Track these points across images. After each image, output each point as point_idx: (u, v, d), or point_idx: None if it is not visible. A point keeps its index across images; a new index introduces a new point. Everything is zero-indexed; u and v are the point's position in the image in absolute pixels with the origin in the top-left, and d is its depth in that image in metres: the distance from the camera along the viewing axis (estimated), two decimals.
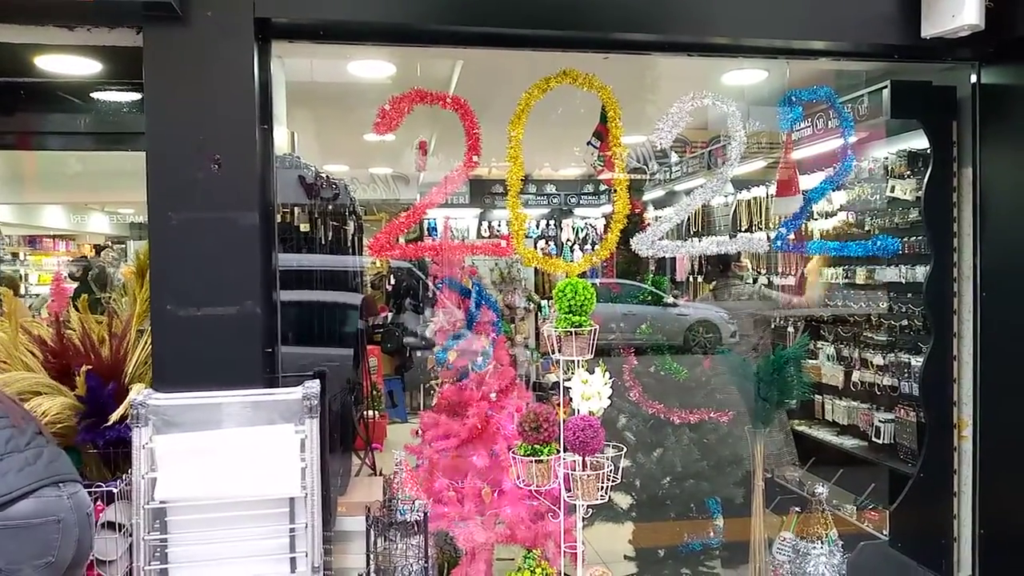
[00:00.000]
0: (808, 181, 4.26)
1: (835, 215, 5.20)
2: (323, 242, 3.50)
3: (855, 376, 4.90)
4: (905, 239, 4.33)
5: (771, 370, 3.71)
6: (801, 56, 3.56)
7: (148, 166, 2.84)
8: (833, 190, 4.18)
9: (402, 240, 3.23)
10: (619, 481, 2.82)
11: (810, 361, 5.10)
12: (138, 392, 2.65)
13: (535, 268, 6.10)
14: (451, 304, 3.68)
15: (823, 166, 4.21)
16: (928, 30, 3.28)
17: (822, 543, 3.44)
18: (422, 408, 6.03)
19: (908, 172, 4.46)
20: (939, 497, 3.86)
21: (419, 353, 6.85)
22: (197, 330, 2.80)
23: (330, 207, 3.52)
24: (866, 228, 4.87)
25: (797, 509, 3.60)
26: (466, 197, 8.60)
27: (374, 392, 5.17)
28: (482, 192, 8.72)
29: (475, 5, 3.11)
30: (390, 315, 7.34)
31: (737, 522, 4.01)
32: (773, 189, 4.71)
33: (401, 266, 7.40)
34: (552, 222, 9.12)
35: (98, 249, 8.65)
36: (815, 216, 5.27)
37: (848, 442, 4.89)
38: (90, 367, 2.93)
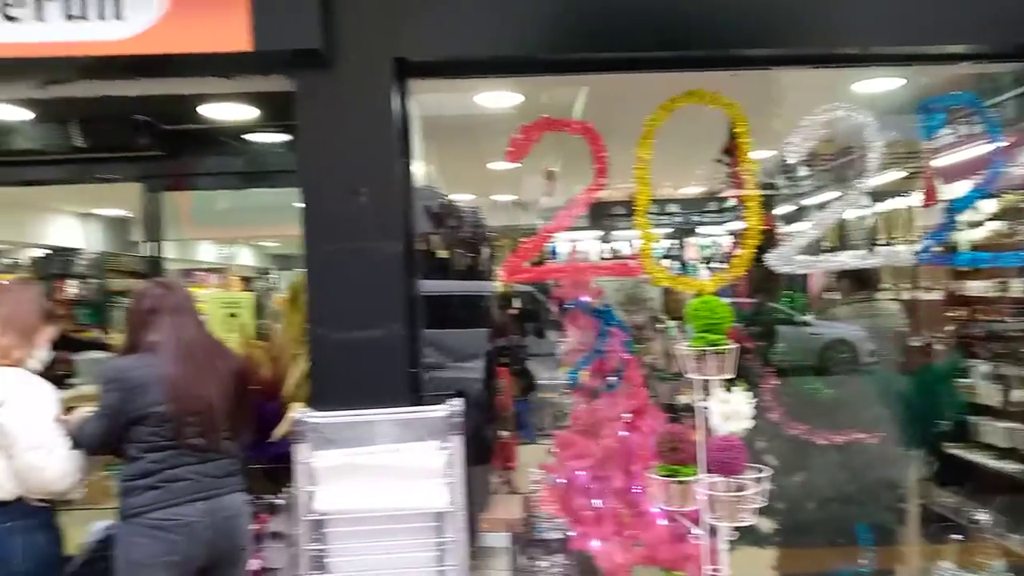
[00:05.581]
0: (954, 190, 4.03)
1: (984, 224, 4.89)
2: (458, 267, 3.64)
3: (1014, 396, 4.56)
4: None
5: (922, 389, 3.52)
6: (936, 62, 3.39)
7: (303, 202, 3.06)
8: (981, 198, 3.95)
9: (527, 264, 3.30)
10: (764, 504, 2.76)
11: (963, 380, 4.79)
12: (298, 411, 2.84)
13: (662, 288, 6.04)
14: (580, 326, 3.72)
15: (969, 174, 3.99)
16: None
17: (987, 574, 3.22)
18: (548, 429, 6.05)
19: None
20: None
21: (546, 375, 6.89)
22: (349, 352, 2.97)
23: (466, 235, 3.65)
24: (1019, 237, 4.55)
25: (958, 537, 3.39)
26: (586, 219, 8.60)
27: (506, 413, 5.27)
28: (602, 214, 8.70)
29: (600, 32, 3.16)
30: (515, 338, 7.43)
31: (888, 550, 3.80)
32: (914, 200, 4.50)
33: (523, 290, 7.48)
34: (676, 241, 9.00)
35: (247, 280, 9.26)
36: (961, 226, 4.96)
37: (1009, 466, 4.54)
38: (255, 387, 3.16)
